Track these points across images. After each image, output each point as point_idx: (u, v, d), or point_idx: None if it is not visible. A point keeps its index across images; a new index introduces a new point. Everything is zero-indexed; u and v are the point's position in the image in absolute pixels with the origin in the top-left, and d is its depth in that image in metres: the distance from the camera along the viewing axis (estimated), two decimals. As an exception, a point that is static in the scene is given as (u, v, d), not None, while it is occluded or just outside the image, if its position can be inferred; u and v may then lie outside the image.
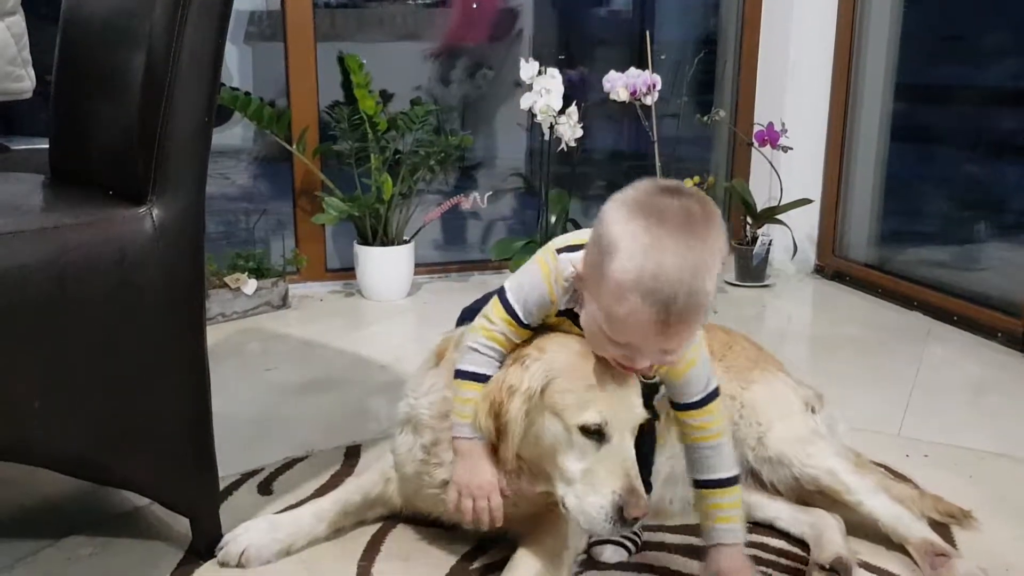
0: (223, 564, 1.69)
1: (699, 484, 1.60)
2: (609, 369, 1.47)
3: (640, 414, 1.50)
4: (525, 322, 1.52)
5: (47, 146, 1.91)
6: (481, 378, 1.53)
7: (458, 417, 1.55)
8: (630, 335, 1.38)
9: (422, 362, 1.78)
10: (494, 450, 1.54)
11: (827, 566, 1.68)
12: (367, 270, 3.54)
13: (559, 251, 1.50)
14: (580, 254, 1.47)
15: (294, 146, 3.48)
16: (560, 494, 1.49)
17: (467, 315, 1.71)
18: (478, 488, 1.53)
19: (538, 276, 1.51)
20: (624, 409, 1.48)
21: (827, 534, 1.77)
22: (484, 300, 1.64)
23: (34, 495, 1.96)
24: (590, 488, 1.46)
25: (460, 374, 1.55)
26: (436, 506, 1.71)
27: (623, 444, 1.47)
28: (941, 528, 1.81)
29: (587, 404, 1.46)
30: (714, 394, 1.58)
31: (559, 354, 1.50)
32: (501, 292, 1.54)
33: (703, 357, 1.57)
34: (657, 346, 1.39)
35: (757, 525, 1.86)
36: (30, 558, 1.73)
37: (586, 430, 1.46)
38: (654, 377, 1.55)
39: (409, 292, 3.60)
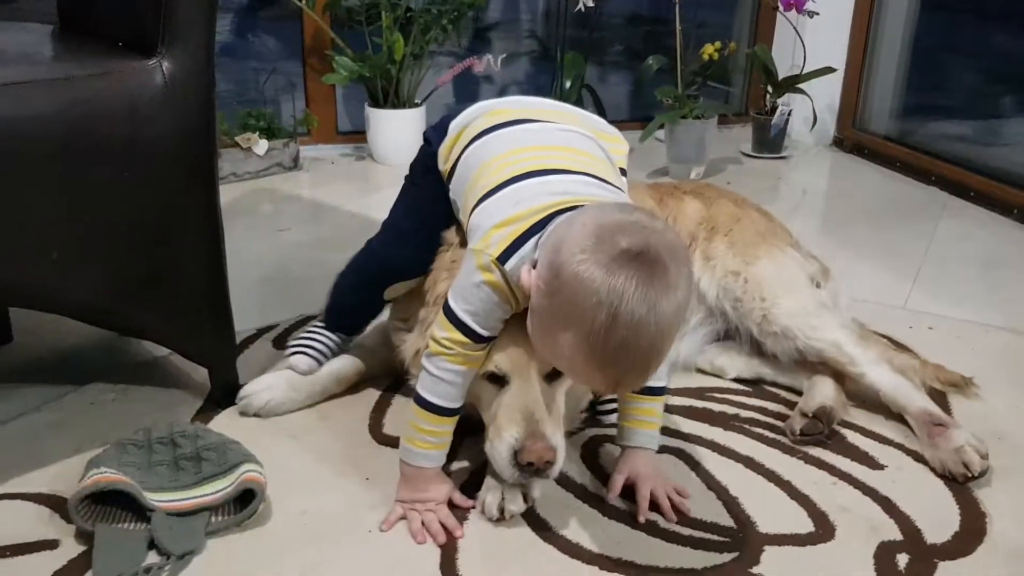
0: (243, 414, 1.76)
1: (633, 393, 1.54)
2: (514, 318, 1.43)
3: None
4: (483, 336, 1.41)
5: (54, -5, 1.87)
6: (443, 411, 1.45)
7: (411, 444, 1.48)
8: (575, 377, 1.39)
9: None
10: None
11: (810, 414, 1.74)
12: (378, 133, 3.51)
13: (500, 257, 1.37)
14: (526, 253, 1.35)
15: (303, 2, 3.39)
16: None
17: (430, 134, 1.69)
18: (421, 503, 1.48)
19: (486, 290, 1.38)
20: (525, 354, 1.44)
21: (819, 386, 1.82)
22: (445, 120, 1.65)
23: (58, 343, 2.03)
24: (496, 434, 1.45)
25: (421, 402, 1.46)
26: None
27: (523, 388, 1.45)
28: (939, 397, 1.86)
29: (488, 353, 1.46)
30: None
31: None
32: (448, 309, 1.42)
33: None
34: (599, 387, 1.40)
35: (745, 383, 1.95)
36: (54, 402, 1.80)
37: (488, 377, 1.48)
38: None
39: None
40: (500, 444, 1.43)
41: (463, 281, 1.42)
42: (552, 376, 1.48)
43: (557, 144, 1.55)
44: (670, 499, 1.52)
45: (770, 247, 1.96)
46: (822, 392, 1.80)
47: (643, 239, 1.24)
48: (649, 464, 1.56)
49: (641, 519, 1.50)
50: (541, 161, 1.48)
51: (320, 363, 1.82)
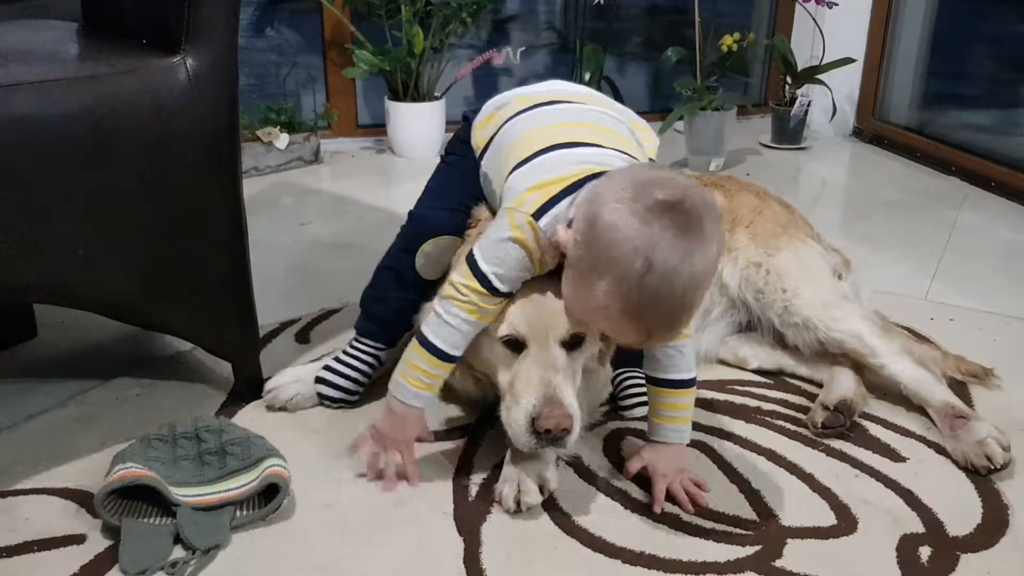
0: (269, 407, 1.77)
1: (657, 382, 1.53)
2: (534, 282, 1.45)
3: (565, 324, 1.44)
4: (501, 290, 1.42)
5: (78, -7, 1.89)
6: (444, 356, 1.45)
7: (404, 381, 1.48)
8: (608, 327, 1.39)
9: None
10: None
11: (831, 407, 1.74)
12: (398, 126, 3.52)
13: (534, 215, 1.39)
14: (560, 211, 1.38)
15: (324, -4, 3.41)
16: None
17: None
18: (393, 441, 1.51)
19: (514, 247, 1.40)
20: (544, 318, 1.44)
21: (839, 378, 1.82)
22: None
23: (84, 338, 2.05)
24: (513, 401, 1.45)
25: (424, 342, 1.46)
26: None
27: (542, 354, 1.44)
28: (960, 389, 1.85)
29: (506, 316, 1.46)
30: None
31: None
32: (471, 259, 1.43)
33: None
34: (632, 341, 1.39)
35: (767, 375, 1.95)
36: (80, 396, 1.82)
37: (506, 342, 1.47)
38: None
39: (440, 149, 3.58)
40: (517, 411, 1.43)
41: (492, 235, 1.44)
42: (572, 345, 1.48)
43: (592, 122, 1.57)
44: (688, 491, 1.52)
45: (792, 238, 1.95)
46: (842, 384, 1.80)
47: (680, 192, 1.28)
48: (670, 458, 1.55)
49: (656, 509, 1.50)
50: (576, 135, 1.50)
51: (352, 393, 1.78)
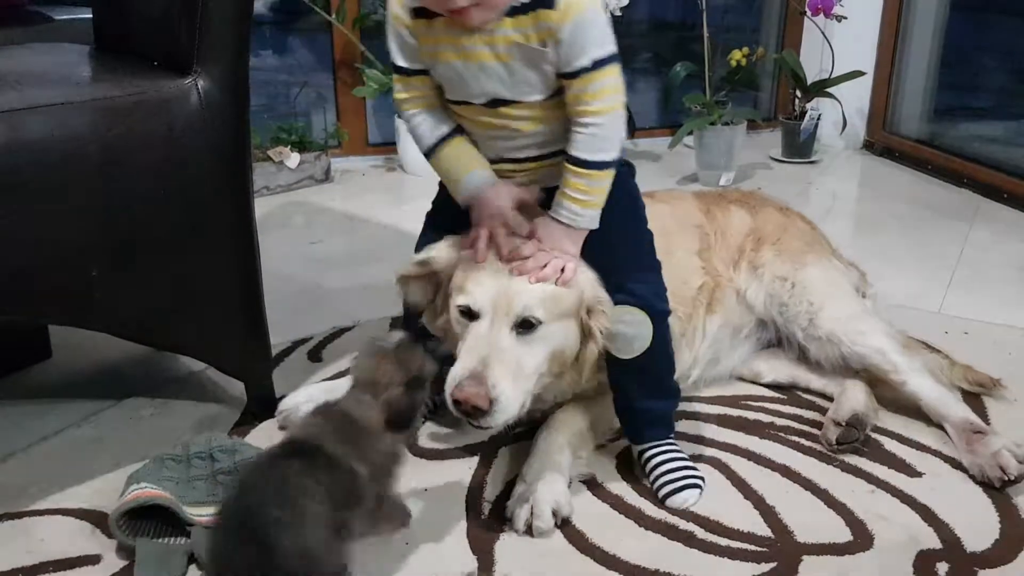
0: (282, 428, 1.77)
1: (565, 157, 1.46)
2: (498, 263, 1.47)
3: (522, 308, 1.45)
4: (399, 63, 1.50)
5: (90, 15, 1.91)
6: (437, 143, 1.53)
7: (453, 185, 1.55)
8: None
9: None
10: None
11: (843, 422, 1.73)
12: (408, 145, 3.52)
13: None
14: None
15: (333, 16, 3.43)
16: None
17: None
18: (491, 218, 1.50)
19: (391, 23, 1.47)
20: (498, 296, 1.46)
21: (850, 392, 1.81)
22: None
23: (98, 359, 2.06)
24: (457, 364, 1.46)
25: (424, 155, 1.56)
26: None
27: (487, 330, 1.46)
28: (976, 405, 1.84)
29: (464, 289, 1.48)
30: (606, 64, 1.39)
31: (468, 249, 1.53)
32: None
33: (598, 17, 1.40)
34: None
35: (780, 390, 1.94)
36: (94, 417, 1.83)
37: (461, 311, 1.49)
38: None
39: (450, 166, 3.59)
40: (448, 378, 1.44)
41: None
42: (526, 329, 1.47)
43: None
44: (543, 271, 1.47)
45: (818, 256, 1.97)
46: (853, 398, 1.79)
47: None
48: (556, 236, 1.48)
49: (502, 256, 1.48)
50: None
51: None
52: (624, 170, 1.60)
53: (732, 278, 1.95)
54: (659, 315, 1.56)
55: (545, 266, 1.47)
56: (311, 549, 1.12)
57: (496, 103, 1.46)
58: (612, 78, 1.41)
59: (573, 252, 1.50)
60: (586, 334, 1.54)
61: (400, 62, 1.50)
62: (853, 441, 1.71)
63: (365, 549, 1.42)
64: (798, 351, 1.92)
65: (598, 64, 1.39)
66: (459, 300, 1.49)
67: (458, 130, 1.54)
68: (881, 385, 1.84)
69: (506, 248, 1.49)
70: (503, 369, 1.43)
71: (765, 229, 1.99)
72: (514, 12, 1.37)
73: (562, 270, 1.48)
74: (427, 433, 1.77)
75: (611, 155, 1.45)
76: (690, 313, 1.86)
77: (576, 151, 1.44)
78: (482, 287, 1.47)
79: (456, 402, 1.42)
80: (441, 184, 1.66)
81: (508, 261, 1.48)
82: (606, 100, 1.41)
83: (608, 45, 1.40)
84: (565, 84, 1.42)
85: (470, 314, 1.48)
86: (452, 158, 1.54)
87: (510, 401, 1.43)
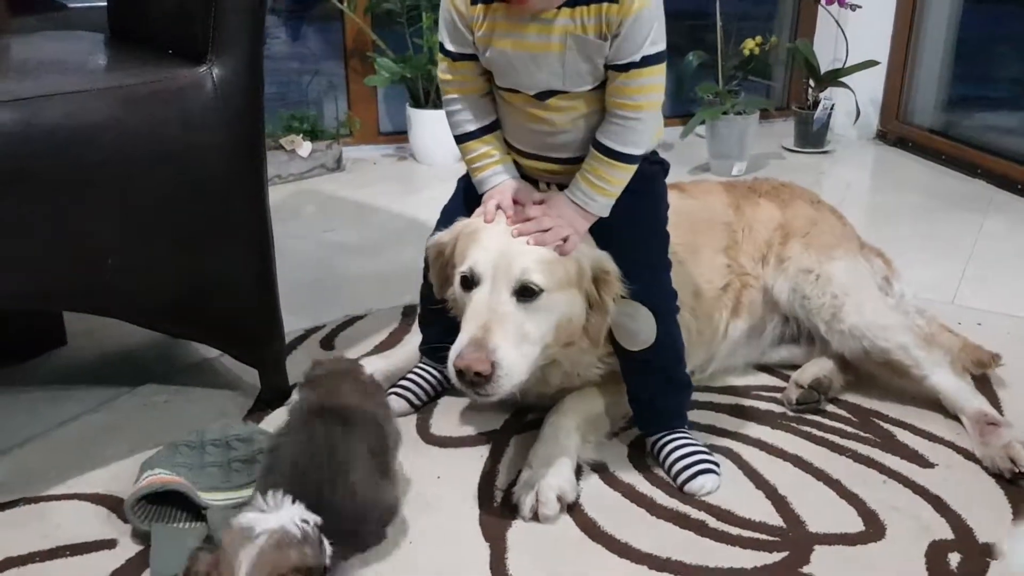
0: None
1: (593, 143, 1.48)
2: (500, 227, 1.49)
3: (520, 271, 1.45)
4: (448, 48, 1.51)
5: (105, 3, 1.91)
6: (471, 134, 1.55)
7: (477, 175, 1.57)
8: None
9: None
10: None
11: (805, 384, 1.81)
12: (419, 133, 3.54)
13: None
14: None
15: (344, 4, 3.43)
16: None
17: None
18: (500, 193, 1.54)
19: (444, 9, 1.49)
20: (499, 261, 1.46)
21: (819, 362, 1.88)
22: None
23: (113, 346, 2.07)
24: (460, 336, 1.46)
25: (456, 139, 1.57)
26: None
27: (487, 296, 1.46)
28: (990, 396, 1.84)
29: (465, 256, 1.50)
30: (654, 61, 1.41)
31: (474, 220, 1.55)
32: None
33: (658, 14, 1.40)
34: None
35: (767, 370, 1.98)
36: (109, 403, 1.84)
37: (462, 281, 1.50)
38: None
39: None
40: (452, 348, 1.44)
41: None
42: (527, 297, 1.47)
43: None
44: (544, 235, 1.48)
45: (847, 251, 1.96)
46: (819, 364, 1.87)
47: None
48: (565, 210, 1.50)
49: (514, 228, 1.50)
50: None
51: (414, 404, 1.81)
52: (656, 168, 1.61)
53: (759, 275, 1.94)
54: (664, 314, 1.57)
55: (547, 231, 1.48)
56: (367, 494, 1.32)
57: (545, 95, 1.47)
58: (657, 76, 1.43)
59: (578, 228, 1.51)
60: (593, 306, 1.55)
61: (448, 46, 1.51)
62: (812, 402, 1.80)
63: (385, 539, 1.44)
64: (820, 346, 1.92)
65: (647, 60, 1.40)
66: (461, 268, 1.51)
67: (494, 125, 1.55)
68: (903, 379, 1.84)
69: (513, 211, 1.52)
70: (504, 333, 1.43)
71: (794, 223, 1.98)
72: (574, 3, 1.38)
73: (565, 241, 1.49)
74: (439, 421, 1.78)
75: (639, 150, 1.47)
76: (711, 313, 1.86)
77: (605, 139, 1.46)
78: (485, 251, 1.48)
79: (459, 373, 1.41)
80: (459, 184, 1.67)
81: (514, 223, 1.50)
82: (648, 96, 1.43)
83: (660, 43, 1.41)
84: (610, 75, 1.43)
85: (472, 283, 1.49)
86: (482, 153, 1.56)
87: (512, 365, 1.42)
